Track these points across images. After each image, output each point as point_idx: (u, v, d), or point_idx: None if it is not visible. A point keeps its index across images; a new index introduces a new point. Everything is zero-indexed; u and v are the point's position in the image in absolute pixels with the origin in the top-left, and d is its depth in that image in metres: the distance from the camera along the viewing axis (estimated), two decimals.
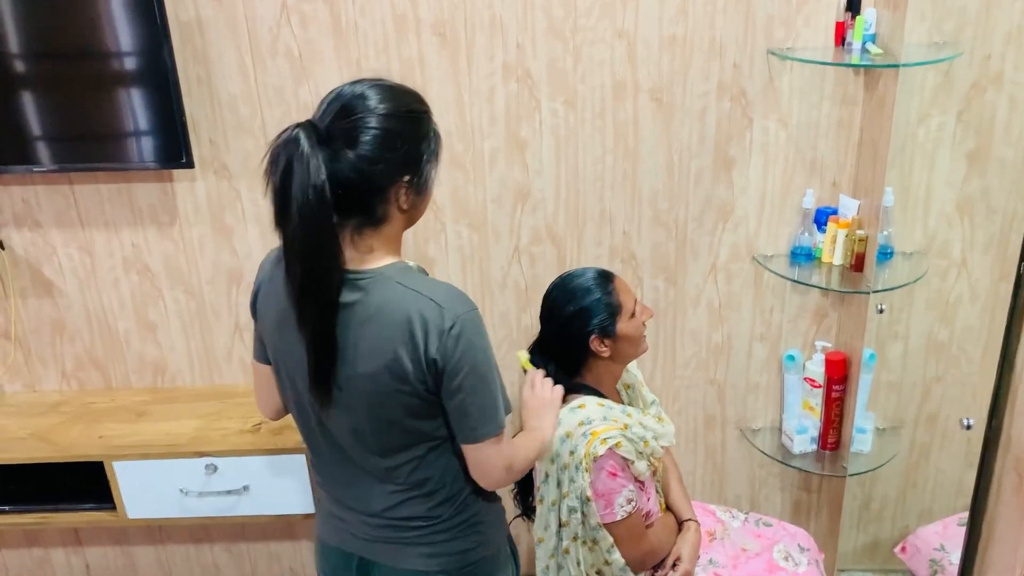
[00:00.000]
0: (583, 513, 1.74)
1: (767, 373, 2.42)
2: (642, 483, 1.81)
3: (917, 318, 2.31)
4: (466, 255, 2.27)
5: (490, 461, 1.37)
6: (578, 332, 1.73)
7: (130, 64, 2.02)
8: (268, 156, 1.20)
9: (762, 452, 2.44)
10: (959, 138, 2.13)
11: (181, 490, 2.18)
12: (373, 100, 1.23)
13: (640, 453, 1.76)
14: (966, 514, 2.12)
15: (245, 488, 2.18)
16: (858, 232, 2.13)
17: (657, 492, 1.91)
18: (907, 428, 2.44)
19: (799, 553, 2.00)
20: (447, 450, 1.41)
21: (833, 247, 2.20)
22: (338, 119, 1.22)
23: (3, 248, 2.26)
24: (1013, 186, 2.17)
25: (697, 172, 2.19)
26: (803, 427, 2.35)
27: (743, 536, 2.05)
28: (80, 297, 2.33)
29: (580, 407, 1.74)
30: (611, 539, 1.75)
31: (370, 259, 1.30)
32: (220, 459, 2.15)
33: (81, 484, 2.25)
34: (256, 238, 2.26)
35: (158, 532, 2.62)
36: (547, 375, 1.75)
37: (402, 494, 1.42)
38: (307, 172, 1.16)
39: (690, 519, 1.95)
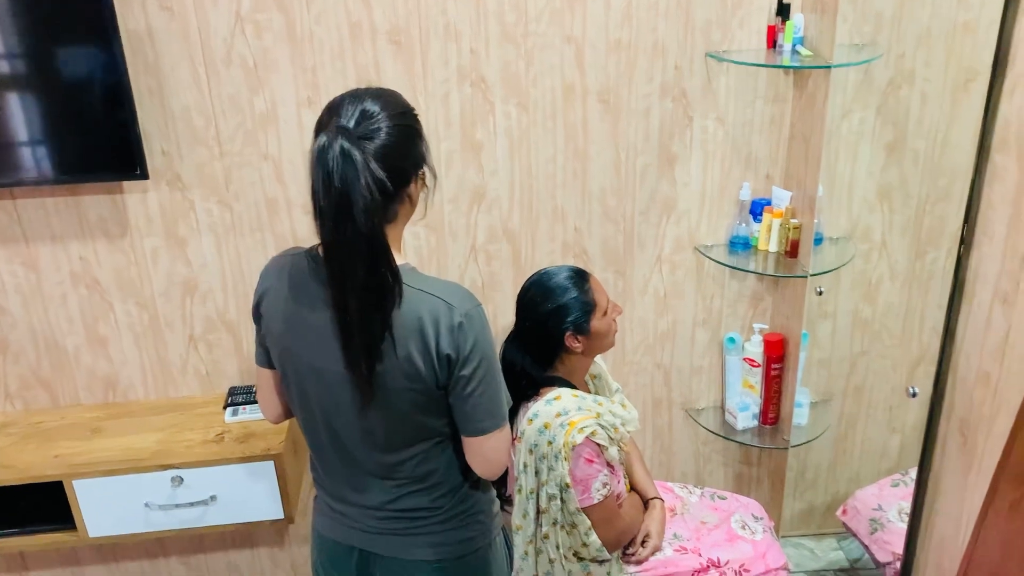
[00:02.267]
0: (562, 499, 1.83)
1: (709, 356, 2.57)
2: (613, 467, 1.91)
3: (844, 298, 2.50)
4: (424, 256, 2.33)
5: (495, 451, 1.43)
6: (554, 329, 1.81)
7: (82, 75, 1.98)
8: (318, 166, 1.21)
9: (707, 430, 2.59)
10: (878, 132, 2.32)
11: (146, 505, 2.16)
12: (379, 104, 1.29)
13: (612, 439, 1.86)
14: (899, 476, 2.33)
15: (212, 498, 2.18)
16: (792, 221, 2.29)
17: (623, 474, 2.02)
18: (836, 400, 2.64)
19: (754, 522, 2.15)
20: (450, 444, 1.47)
21: (768, 235, 2.35)
22: (361, 123, 1.26)
23: None
24: (925, 174, 2.37)
25: (642, 169, 2.31)
26: (745, 404, 2.51)
27: (702, 510, 2.18)
28: (24, 315, 2.26)
29: (556, 399, 1.83)
30: (588, 522, 1.84)
31: None
32: (186, 471, 2.14)
33: (33, 505, 2.19)
34: (211, 248, 2.24)
35: (111, 550, 2.57)
36: (522, 368, 1.84)
37: (405, 487, 1.47)
38: (368, 171, 1.21)
39: (655, 497, 2.07)
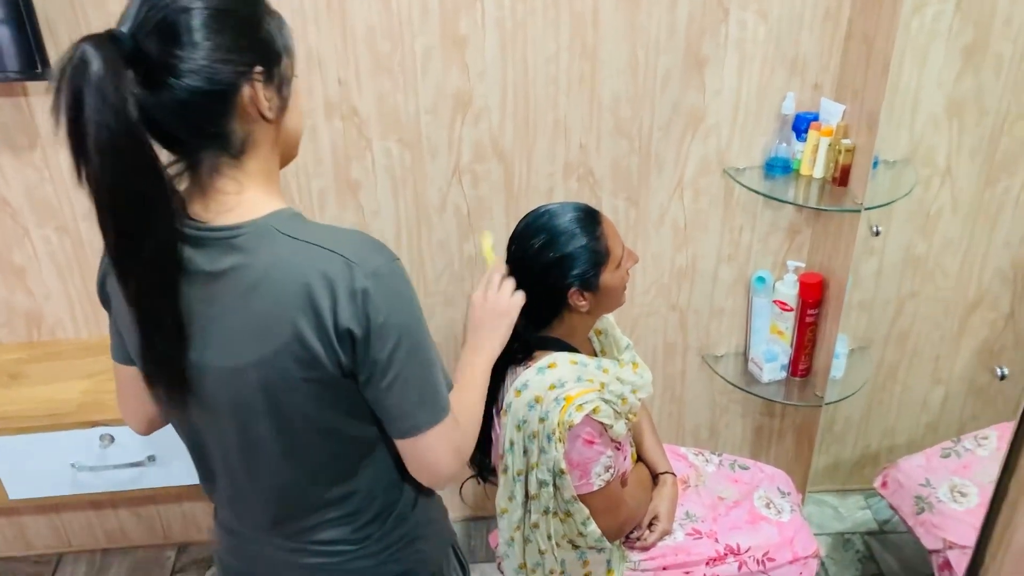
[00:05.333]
0: (555, 486, 1.50)
1: (733, 296, 2.21)
2: (619, 443, 1.58)
3: (895, 231, 2.12)
4: (397, 177, 1.94)
5: (437, 453, 1.06)
6: (555, 284, 1.44)
7: None
8: (53, 90, 0.85)
9: (725, 380, 2.26)
10: (956, 30, 1.89)
11: (72, 465, 1.86)
12: None
13: (618, 414, 1.52)
14: (950, 443, 2.00)
15: (151, 459, 1.88)
16: (844, 141, 1.89)
17: (630, 445, 1.70)
18: (876, 347, 2.29)
19: (780, 498, 1.84)
20: (377, 455, 1.11)
21: (814, 158, 1.95)
22: (151, 12, 0.88)
23: None
24: (1008, 85, 1.95)
25: (665, 73, 1.89)
26: (772, 353, 2.16)
27: (719, 482, 1.87)
28: None
29: (551, 367, 1.48)
30: (587, 511, 1.53)
31: (241, 207, 0.97)
32: (117, 428, 1.83)
33: None
34: None
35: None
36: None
37: (320, 515, 1.12)
38: (100, 97, 0.83)
39: (666, 472, 1.76)
